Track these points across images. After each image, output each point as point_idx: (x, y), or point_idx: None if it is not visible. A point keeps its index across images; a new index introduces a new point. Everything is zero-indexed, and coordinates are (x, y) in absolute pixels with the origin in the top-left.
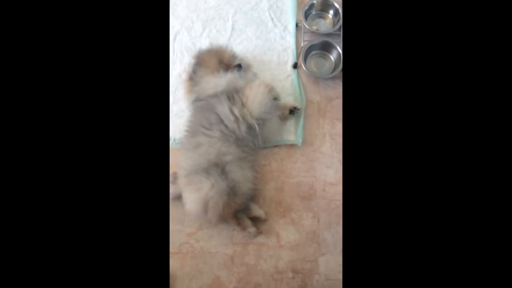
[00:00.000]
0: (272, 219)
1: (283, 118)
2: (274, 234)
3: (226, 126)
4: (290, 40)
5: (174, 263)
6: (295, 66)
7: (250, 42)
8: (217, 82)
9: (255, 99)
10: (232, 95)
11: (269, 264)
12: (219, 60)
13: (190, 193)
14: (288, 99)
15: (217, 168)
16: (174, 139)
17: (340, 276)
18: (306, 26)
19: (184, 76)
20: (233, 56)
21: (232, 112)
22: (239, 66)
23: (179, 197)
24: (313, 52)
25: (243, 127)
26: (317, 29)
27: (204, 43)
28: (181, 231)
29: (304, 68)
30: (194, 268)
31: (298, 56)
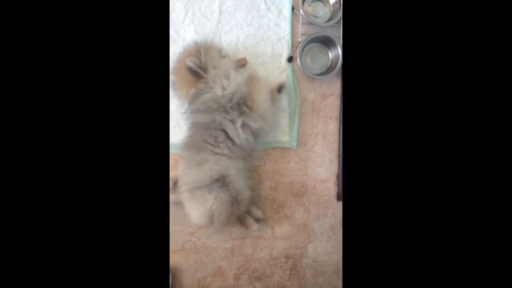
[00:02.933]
0: (267, 215)
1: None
2: (269, 228)
3: (234, 142)
4: (285, 28)
5: (178, 259)
6: (290, 59)
7: (241, 30)
8: (227, 83)
9: (260, 99)
10: (241, 107)
11: (265, 253)
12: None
13: (195, 207)
14: (281, 97)
15: (218, 182)
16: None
17: (325, 258)
18: (302, 13)
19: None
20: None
21: (242, 125)
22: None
23: (179, 203)
24: (310, 45)
25: (250, 137)
26: (315, 16)
27: (188, 31)
28: (182, 231)
29: (298, 62)
30: (198, 261)
31: (294, 49)
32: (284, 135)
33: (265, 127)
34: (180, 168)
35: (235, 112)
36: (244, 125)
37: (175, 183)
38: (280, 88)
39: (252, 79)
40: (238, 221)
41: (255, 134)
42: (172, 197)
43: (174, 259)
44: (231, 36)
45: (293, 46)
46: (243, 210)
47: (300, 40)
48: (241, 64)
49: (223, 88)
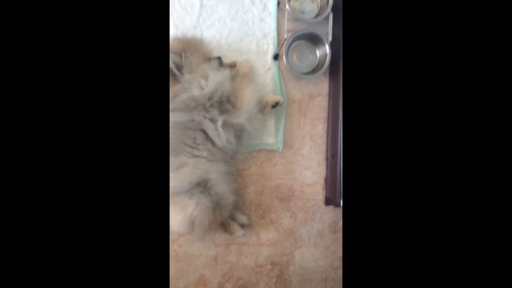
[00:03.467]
0: (252, 220)
1: (265, 114)
2: (254, 234)
3: (214, 144)
4: (271, 24)
5: None
6: (276, 57)
7: (224, 24)
8: (204, 83)
9: (245, 96)
10: (223, 104)
11: (250, 260)
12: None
13: (174, 213)
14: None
15: (199, 186)
16: None
17: (312, 264)
18: (288, 9)
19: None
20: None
21: (223, 124)
22: (219, 59)
23: None
24: (297, 42)
25: (232, 138)
26: (302, 12)
27: None
28: None
29: (284, 60)
30: (180, 270)
31: (280, 46)
32: (270, 137)
33: (248, 126)
34: None
35: (216, 111)
36: (225, 124)
37: None
38: (275, 105)
39: (237, 74)
40: (222, 227)
41: (238, 135)
42: None
43: None
44: (213, 31)
45: (279, 43)
46: (226, 216)
47: (286, 36)
48: (230, 66)
49: (201, 88)
